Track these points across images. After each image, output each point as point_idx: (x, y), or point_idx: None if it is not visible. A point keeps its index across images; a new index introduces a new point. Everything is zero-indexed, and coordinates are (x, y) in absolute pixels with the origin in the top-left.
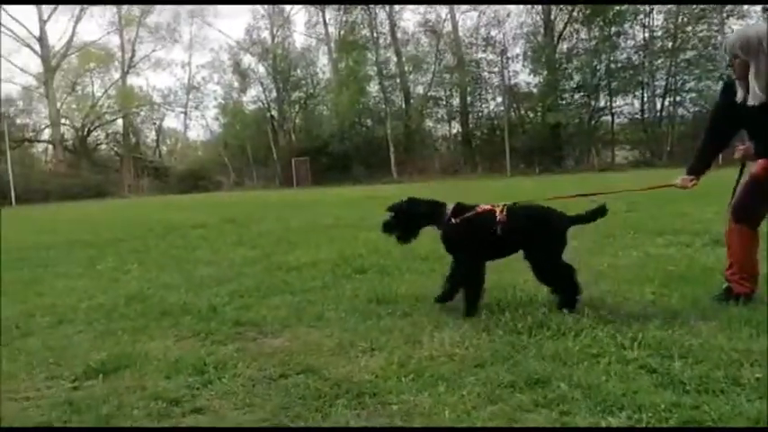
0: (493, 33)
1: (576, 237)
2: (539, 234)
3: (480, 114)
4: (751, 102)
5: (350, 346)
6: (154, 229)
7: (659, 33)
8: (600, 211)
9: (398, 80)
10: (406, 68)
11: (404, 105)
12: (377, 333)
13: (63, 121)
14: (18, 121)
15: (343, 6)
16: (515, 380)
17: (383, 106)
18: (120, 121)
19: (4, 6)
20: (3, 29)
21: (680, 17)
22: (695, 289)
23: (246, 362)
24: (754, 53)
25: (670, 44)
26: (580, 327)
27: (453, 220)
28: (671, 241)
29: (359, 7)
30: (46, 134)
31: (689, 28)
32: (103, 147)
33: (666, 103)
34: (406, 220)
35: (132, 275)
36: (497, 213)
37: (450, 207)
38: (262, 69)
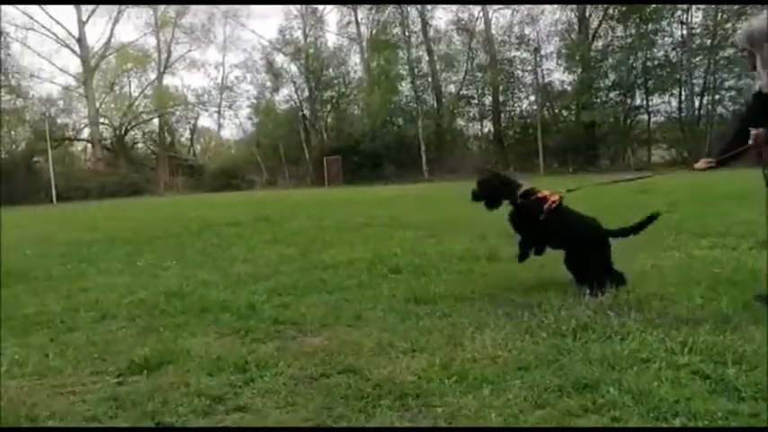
0: (526, 31)
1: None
2: (574, 238)
3: (513, 113)
4: (765, 90)
5: (390, 347)
6: (189, 226)
7: (698, 30)
8: (648, 221)
9: (430, 79)
10: (437, 67)
11: (435, 104)
12: (416, 333)
13: (101, 120)
14: (59, 120)
15: (375, 5)
16: (562, 384)
17: (414, 105)
18: (156, 121)
19: (45, 7)
20: (44, 30)
21: (719, 14)
22: (744, 293)
23: (287, 360)
24: (759, 44)
25: (709, 41)
26: (626, 330)
27: (520, 200)
28: (715, 243)
29: (391, 6)
30: (85, 133)
31: (728, 25)
32: (140, 145)
33: (705, 101)
34: (489, 191)
35: (171, 272)
36: (547, 202)
37: (521, 189)
38: (294, 69)
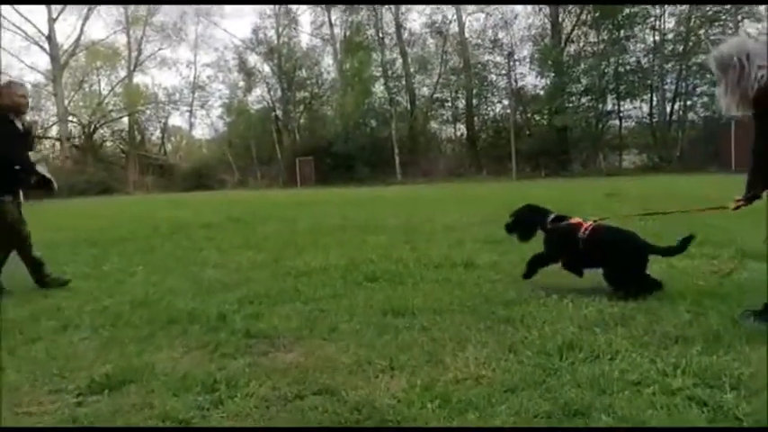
0: (500, 35)
1: None
2: (616, 257)
3: (486, 117)
4: (725, 115)
5: (367, 364)
6: (159, 227)
7: (670, 37)
8: (685, 244)
9: (404, 81)
10: (411, 70)
11: (409, 107)
12: (395, 350)
13: (70, 118)
14: (27, 118)
15: (348, 7)
16: (551, 410)
17: (388, 107)
18: (125, 119)
19: (15, 6)
20: (13, 28)
21: (692, 20)
22: (732, 308)
23: (259, 379)
24: (724, 69)
25: (681, 47)
26: (614, 349)
27: (549, 227)
28: (695, 253)
29: (364, 8)
30: (54, 131)
31: (701, 31)
32: (109, 144)
33: (676, 106)
34: (522, 223)
35: (138, 278)
36: (581, 230)
37: (550, 216)
38: (267, 69)
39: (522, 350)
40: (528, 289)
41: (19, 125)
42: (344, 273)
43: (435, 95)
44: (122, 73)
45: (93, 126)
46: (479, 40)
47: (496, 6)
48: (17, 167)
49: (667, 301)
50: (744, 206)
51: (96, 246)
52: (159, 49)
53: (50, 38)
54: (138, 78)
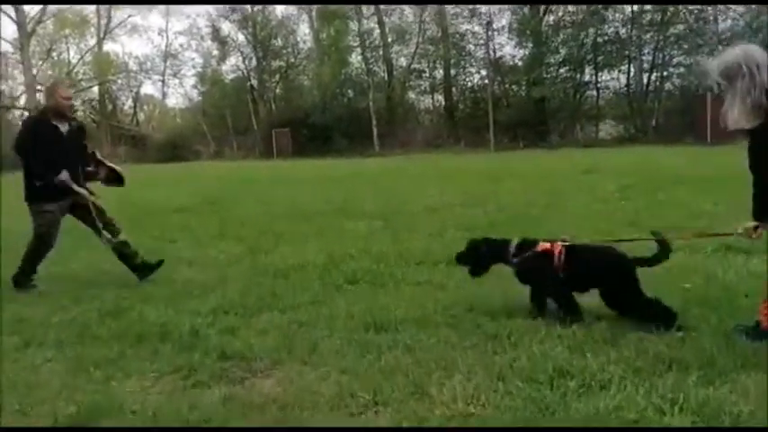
0: (478, 5)
1: (571, 233)
2: (604, 278)
3: (464, 87)
4: (732, 127)
5: (350, 397)
6: (130, 212)
7: (648, 7)
8: (663, 254)
9: (381, 51)
10: (389, 39)
11: (386, 77)
12: (379, 376)
13: (39, 87)
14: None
15: None
16: None
17: (365, 78)
18: (96, 89)
19: None
20: None
21: None
22: (722, 318)
23: (235, 418)
24: (731, 79)
25: (659, 17)
26: (607, 376)
27: (515, 260)
28: (678, 245)
29: None
30: (22, 101)
31: None
32: (80, 114)
33: (653, 77)
34: (477, 257)
35: (109, 278)
36: (555, 256)
37: (513, 244)
38: (241, 37)
39: (510, 378)
40: (514, 295)
41: (63, 128)
42: (323, 273)
43: (413, 66)
44: (92, 41)
45: None
46: (458, 9)
47: None
48: (60, 178)
49: None
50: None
51: (66, 235)
52: (129, 16)
53: (16, 5)
54: (108, 46)
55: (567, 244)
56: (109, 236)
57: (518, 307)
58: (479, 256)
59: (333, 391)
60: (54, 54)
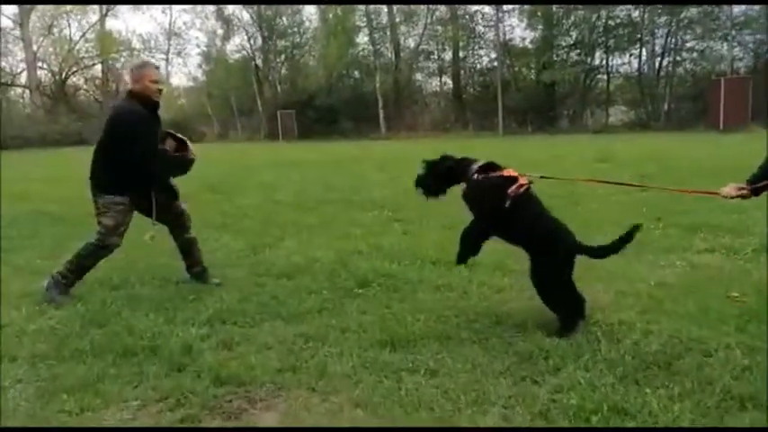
0: None
1: (593, 227)
2: (541, 243)
3: (473, 70)
4: None
5: None
6: None
7: None
8: (628, 238)
9: (388, 32)
10: (396, 20)
11: (394, 58)
12: (400, 411)
13: (40, 65)
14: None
15: None
16: None
17: (372, 59)
18: (98, 66)
19: None
20: None
21: None
22: None
23: None
24: None
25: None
26: (671, 416)
27: (476, 177)
28: (712, 244)
29: None
30: (23, 78)
31: None
32: (83, 92)
33: (665, 62)
34: (435, 176)
35: (98, 275)
36: (513, 186)
37: (477, 164)
38: (246, 16)
39: (556, 416)
40: (542, 306)
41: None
42: (331, 273)
43: (421, 47)
44: (94, 18)
45: (64, 73)
46: None
47: None
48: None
49: (707, 327)
50: (746, 197)
51: (61, 223)
52: None
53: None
54: (110, 24)
55: (530, 184)
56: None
57: (549, 320)
58: (437, 173)
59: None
60: (55, 30)
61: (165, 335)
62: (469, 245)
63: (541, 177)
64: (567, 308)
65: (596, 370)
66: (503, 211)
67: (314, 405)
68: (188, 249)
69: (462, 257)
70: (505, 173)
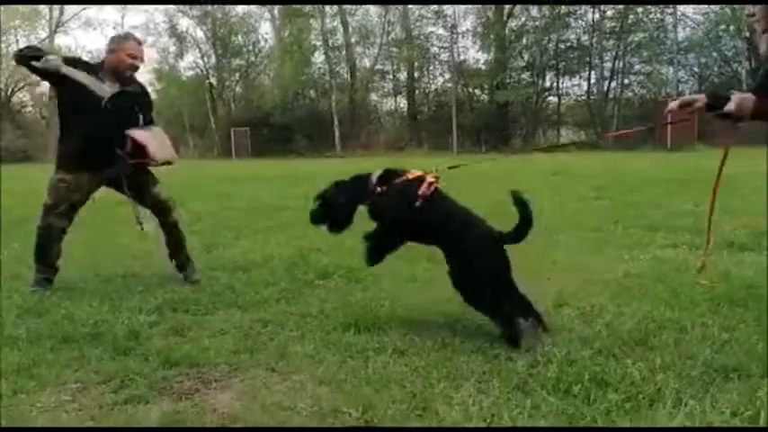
0: (444, 7)
1: (553, 230)
2: (459, 242)
3: (427, 90)
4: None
5: (333, 415)
6: None
7: (609, 14)
8: (523, 225)
9: (344, 52)
10: (352, 40)
11: (349, 78)
12: (368, 388)
13: None
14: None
15: None
16: None
17: (328, 78)
18: (45, 83)
19: None
20: None
21: None
22: (761, 319)
23: None
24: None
25: (620, 25)
26: (655, 387)
27: (378, 189)
28: (674, 241)
29: None
30: None
31: (640, 9)
32: (29, 109)
33: (614, 85)
34: (335, 206)
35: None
36: (423, 185)
37: (375, 176)
38: (200, 34)
39: (534, 389)
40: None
41: (110, 89)
42: (290, 266)
43: (376, 67)
44: (43, 34)
45: (10, 89)
46: (423, 11)
47: None
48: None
49: (684, 312)
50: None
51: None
52: (83, 9)
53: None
54: (59, 40)
55: (437, 180)
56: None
57: None
58: (334, 204)
59: (310, 407)
60: (2, 46)
61: (110, 322)
62: (376, 252)
63: (450, 168)
64: (505, 310)
65: (572, 346)
66: (414, 213)
67: (274, 383)
68: (166, 236)
69: (374, 259)
70: (410, 176)
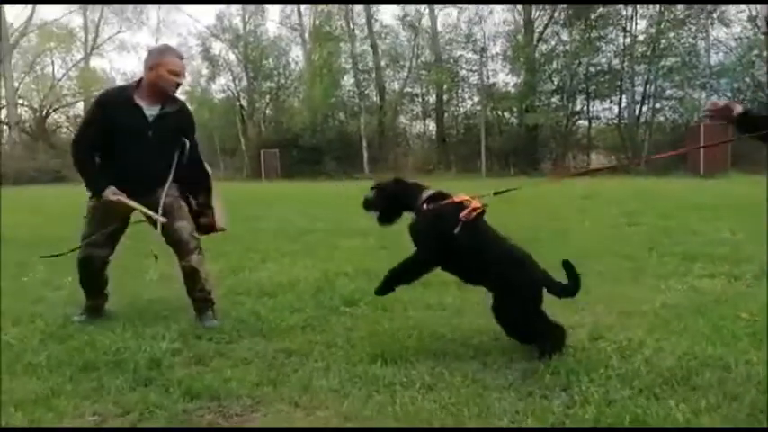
0: (474, 30)
1: (589, 257)
2: (501, 276)
3: (456, 113)
4: None
5: None
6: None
7: (641, 38)
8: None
9: (374, 75)
10: (382, 63)
11: (378, 101)
12: (395, 424)
13: (20, 101)
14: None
15: None
16: None
17: (357, 101)
18: (81, 104)
19: None
20: None
21: (662, 23)
22: None
23: None
24: None
25: (651, 50)
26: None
27: (425, 207)
28: (711, 271)
29: None
30: (3, 115)
31: (671, 34)
32: (64, 130)
33: (645, 109)
34: (386, 200)
35: (62, 294)
36: (465, 211)
37: (427, 193)
38: (232, 57)
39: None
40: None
41: (150, 111)
42: (316, 292)
43: (405, 90)
44: (78, 56)
45: (45, 111)
46: (452, 35)
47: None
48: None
49: (725, 348)
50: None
51: (27, 247)
52: (118, 32)
53: None
54: (94, 62)
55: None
56: None
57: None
58: (386, 196)
59: None
60: (38, 68)
61: (132, 349)
62: (403, 280)
63: (495, 194)
64: (541, 335)
65: (610, 385)
66: (453, 239)
67: (297, 419)
68: (183, 276)
69: (385, 290)
70: (456, 199)
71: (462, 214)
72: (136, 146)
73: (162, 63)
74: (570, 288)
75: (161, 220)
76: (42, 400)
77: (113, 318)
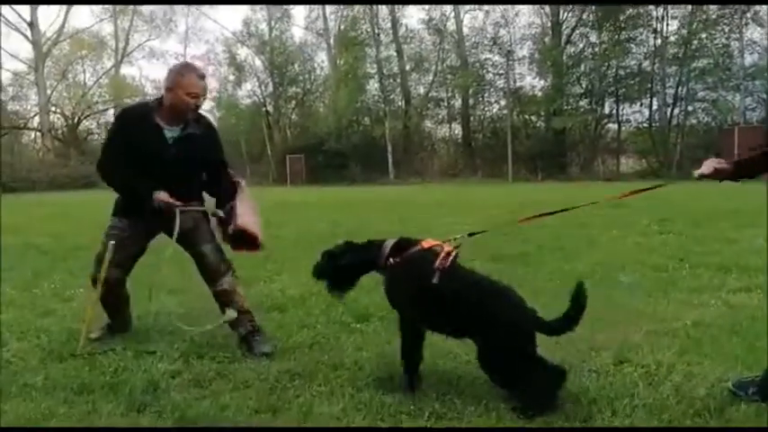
0: (500, 33)
1: (616, 267)
2: (486, 318)
3: (482, 117)
4: None
5: None
6: None
7: (672, 39)
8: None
9: (399, 79)
10: (407, 67)
11: (403, 105)
12: None
13: (53, 109)
14: (9, 107)
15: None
16: None
17: (382, 105)
18: (111, 111)
19: None
20: None
21: (694, 24)
22: None
23: None
24: None
25: (682, 51)
26: None
27: (391, 261)
28: (747, 284)
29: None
30: (36, 122)
31: (703, 35)
32: (95, 137)
33: (676, 111)
34: (340, 267)
35: (71, 306)
36: (440, 256)
37: (389, 244)
38: (258, 63)
39: None
40: (563, 343)
41: (171, 133)
42: (328, 307)
43: (431, 94)
44: (108, 63)
45: (76, 118)
46: (478, 38)
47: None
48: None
49: (757, 367)
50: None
51: (46, 255)
52: (147, 40)
53: (33, 24)
54: (124, 69)
55: (456, 249)
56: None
57: (575, 363)
58: (341, 264)
59: None
60: (69, 76)
61: (131, 370)
62: (411, 351)
63: (470, 235)
64: (536, 385)
65: (636, 416)
66: (432, 291)
67: None
68: (216, 300)
69: (411, 378)
70: (424, 244)
71: (438, 262)
72: (154, 168)
73: (180, 85)
74: (562, 324)
75: (219, 213)
76: (35, 421)
77: (118, 334)
